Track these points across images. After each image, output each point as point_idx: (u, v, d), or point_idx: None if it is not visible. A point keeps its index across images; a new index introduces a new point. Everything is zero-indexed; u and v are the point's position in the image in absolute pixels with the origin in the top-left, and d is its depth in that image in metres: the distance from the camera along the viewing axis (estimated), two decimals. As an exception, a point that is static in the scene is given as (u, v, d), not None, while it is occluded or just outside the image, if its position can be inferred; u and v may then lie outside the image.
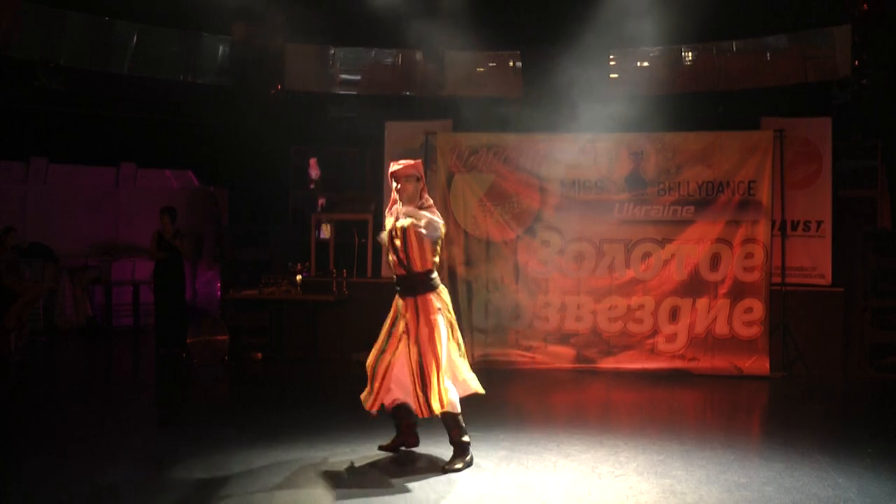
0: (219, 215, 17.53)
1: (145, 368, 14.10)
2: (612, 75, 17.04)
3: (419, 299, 7.60)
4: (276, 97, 14.71)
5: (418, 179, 7.66)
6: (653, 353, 12.47)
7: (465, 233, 13.07)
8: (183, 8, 13.12)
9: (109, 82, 14.46)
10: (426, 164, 13.47)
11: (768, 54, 17.60)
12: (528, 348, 12.80)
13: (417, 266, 7.57)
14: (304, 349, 13.61)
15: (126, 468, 7.44)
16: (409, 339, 7.56)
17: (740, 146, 12.57)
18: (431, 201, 7.80)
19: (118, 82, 14.43)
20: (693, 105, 15.99)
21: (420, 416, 7.45)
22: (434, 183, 13.23)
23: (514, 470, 7.43)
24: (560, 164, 12.96)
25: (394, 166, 7.68)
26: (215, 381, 12.37)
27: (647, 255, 12.64)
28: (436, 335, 7.51)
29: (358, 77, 16.31)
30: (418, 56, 15.86)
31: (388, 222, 7.69)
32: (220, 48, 14.63)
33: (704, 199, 12.56)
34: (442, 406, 7.32)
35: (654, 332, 12.50)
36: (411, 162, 7.68)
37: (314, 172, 15.96)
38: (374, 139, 14.58)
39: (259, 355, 13.47)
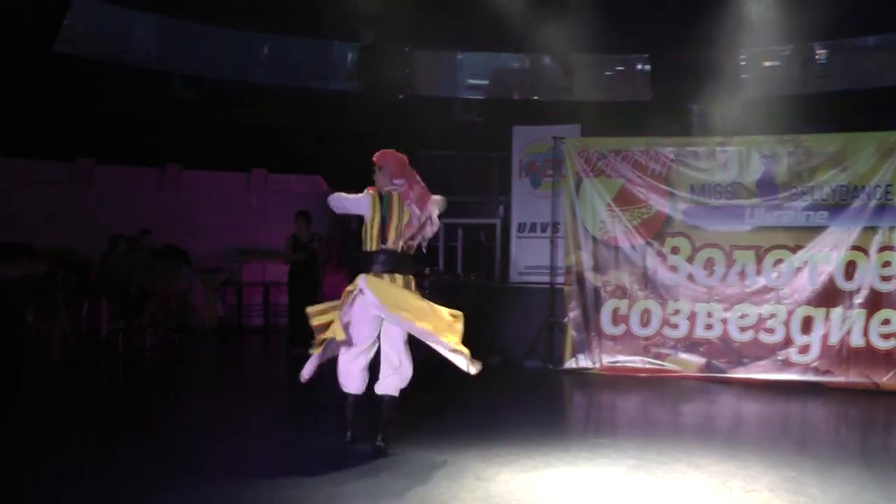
0: (348, 219, 17.74)
1: (275, 367, 14.38)
2: (742, 76, 16.74)
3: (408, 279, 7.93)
4: (403, 102, 14.85)
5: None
6: (785, 364, 12.03)
7: (594, 238, 12.97)
8: (313, 17, 13.33)
9: (241, 91, 14.84)
10: (554, 169, 13.46)
11: (906, 50, 17.09)
12: (657, 356, 12.61)
13: (399, 246, 7.88)
14: (431, 350, 13.65)
15: (250, 464, 7.57)
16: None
17: (877, 148, 12.06)
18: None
19: (250, 91, 14.80)
20: (827, 105, 15.62)
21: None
22: (562, 188, 13.19)
23: (643, 479, 7.32)
24: (689, 169, 12.75)
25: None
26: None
27: (778, 263, 12.28)
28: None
29: (485, 81, 16.35)
30: (545, 60, 15.82)
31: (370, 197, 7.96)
32: (349, 55, 14.85)
33: (839, 204, 12.10)
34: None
35: (787, 342, 12.08)
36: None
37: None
38: (502, 143, 14.60)
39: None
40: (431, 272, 13.85)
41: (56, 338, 13.69)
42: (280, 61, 14.35)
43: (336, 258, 17.42)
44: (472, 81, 15.79)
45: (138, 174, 17.54)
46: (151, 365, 13.72)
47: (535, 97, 16.16)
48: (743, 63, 16.69)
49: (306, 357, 13.49)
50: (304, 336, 13.80)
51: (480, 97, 15.98)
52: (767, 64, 17.42)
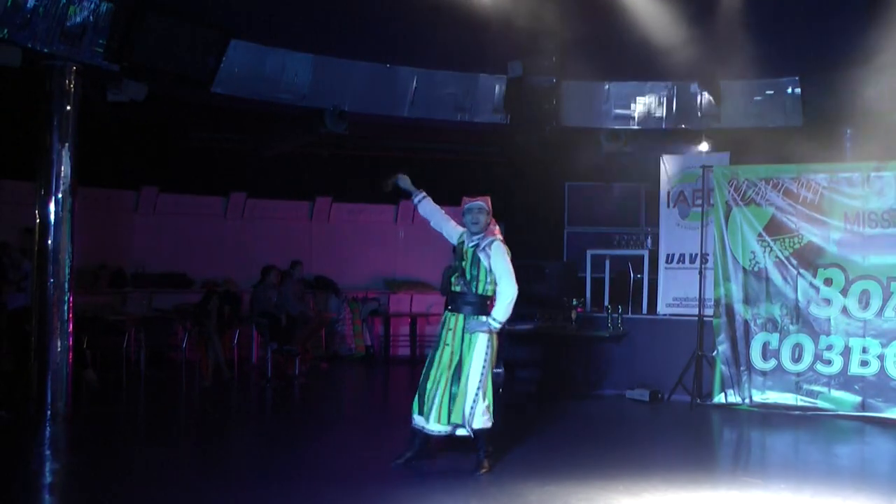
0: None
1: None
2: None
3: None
4: (550, 134, 14.85)
5: (488, 213, 8.44)
6: (946, 403, 11.57)
7: (744, 269, 12.70)
8: (460, 51, 13.49)
9: (390, 125, 15.11)
10: (703, 199, 13.28)
11: None
12: (809, 393, 12.19)
13: (479, 289, 8.26)
14: (579, 385, 13.63)
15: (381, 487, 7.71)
16: (451, 352, 8.21)
17: None
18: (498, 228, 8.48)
19: (398, 124, 15.06)
20: None
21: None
22: (711, 218, 13.00)
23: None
24: (843, 196, 12.35)
25: (474, 199, 8.52)
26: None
27: (939, 295, 11.83)
28: (478, 351, 8.20)
29: (632, 111, 16.24)
30: (693, 87, 15.60)
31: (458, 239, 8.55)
32: (497, 87, 14.90)
33: None
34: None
35: (948, 380, 11.60)
36: (486, 198, 8.52)
37: None
38: (650, 173, 14.48)
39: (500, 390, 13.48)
40: (579, 304, 13.80)
41: (209, 364, 14.17)
42: (427, 95, 14.54)
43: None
44: (618, 111, 15.68)
45: (290, 207, 18.08)
46: (300, 391, 14.05)
47: (683, 125, 15.94)
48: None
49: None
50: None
51: (628, 126, 15.86)
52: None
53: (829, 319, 12.21)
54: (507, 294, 8.20)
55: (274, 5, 11.91)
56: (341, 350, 17.51)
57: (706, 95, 15.08)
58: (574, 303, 13.73)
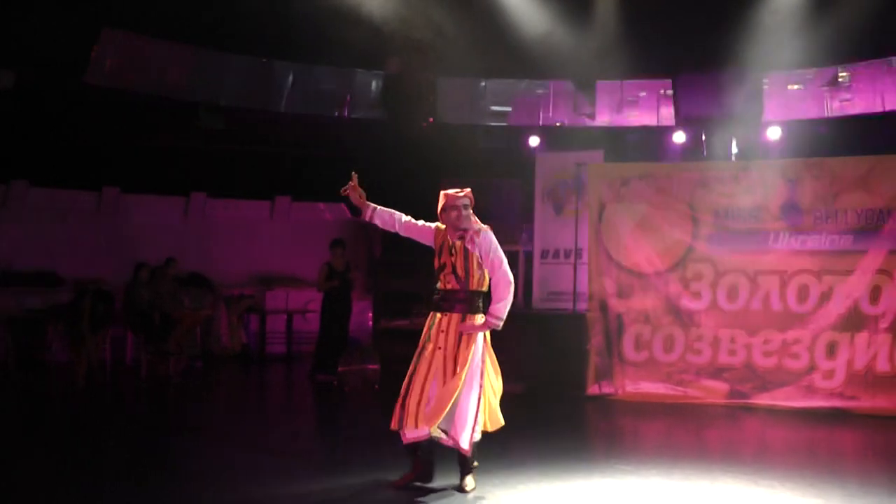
0: (371, 246, 17.84)
1: (297, 395, 14.42)
2: (765, 99, 16.70)
3: (469, 317, 7.51)
4: (427, 130, 14.91)
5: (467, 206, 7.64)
6: (810, 390, 11.90)
7: (618, 264, 12.93)
8: (337, 46, 13.44)
9: (266, 120, 14.96)
10: (577, 195, 13.47)
11: (933, 71, 16.99)
12: (680, 382, 12.54)
13: (473, 284, 7.55)
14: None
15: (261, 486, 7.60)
16: (444, 356, 7.42)
17: (904, 170, 12.05)
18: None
19: (274, 120, 14.91)
20: (851, 128, 15.54)
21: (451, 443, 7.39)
22: (585, 214, 13.19)
23: (665, 506, 7.33)
24: (713, 194, 12.73)
25: (457, 193, 7.64)
26: (364, 408, 12.54)
27: (803, 288, 12.19)
28: (473, 355, 7.41)
29: (508, 108, 16.39)
30: (568, 86, 15.84)
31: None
32: (374, 83, 14.93)
33: (864, 228, 12.01)
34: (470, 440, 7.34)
35: (811, 368, 11.96)
36: (467, 191, 7.71)
37: None
38: (525, 170, 14.63)
39: (377, 388, 13.46)
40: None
41: (81, 365, 13.78)
42: (304, 90, 14.44)
43: (361, 286, 17.52)
44: (495, 108, 15.82)
45: (164, 203, 17.72)
46: (175, 392, 13.77)
47: (559, 123, 16.17)
48: (766, 87, 16.66)
49: (329, 384, 13.64)
50: (329, 363, 13.92)
51: (504, 124, 16.01)
52: (791, 87, 17.36)
53: (700, 312, 12.54)
54: (505, 288, 7.48)
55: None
56: (217, 348, 17.24)
57: (581, 94, 15.27)
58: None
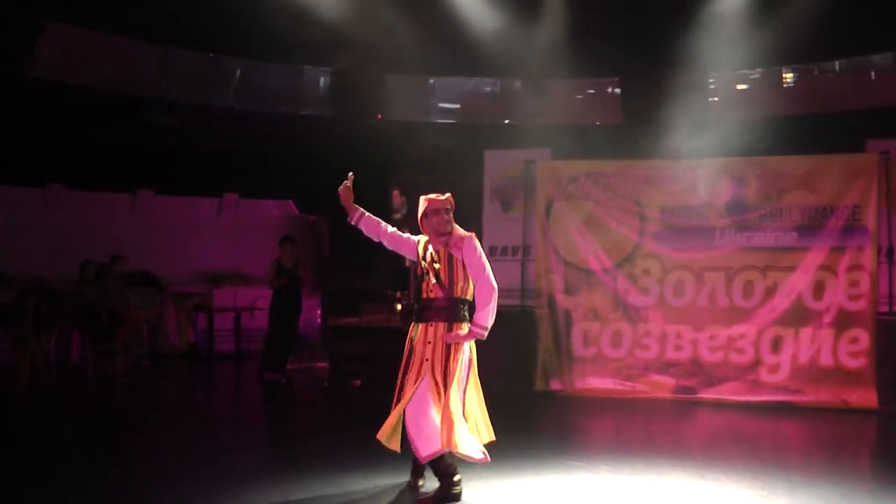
0: (320, 244, 17.79)
1: (246, 393, 14.34)
2: (711, 99, 16.88)
3: (455, 326, 7.25)
4: (375, 127, 14.89)
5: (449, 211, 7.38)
6: (755, 384, 12.12)
7: (565, 261, 13.01)
8: (285, 42, 13.38)
9: (213, 116, 14.85)
10: (525, 193, 13.51)
11: (873, 73, 17.27)
12: (628, 377, 12.66)
13: (457, 292, 7.28)
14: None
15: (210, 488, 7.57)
16: (431, 366, 7.17)
17: (844, 170, 12.23)
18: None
19: (222, 116, 14.81)
20: (795, 128, 15.72)
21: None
22: (533, 212, 13.24)
23: (615, 499, 7.36)
24: (660, 192, 12.86)
25: (439, 197, 7.40)
26: (314, 406, 12.52)
27: (748, 284, 12.38)
28: (459, 368, 7.19)
29: (457, 106, 16.42)
30: (517, 84, 15.89)
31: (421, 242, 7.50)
32: (322, 80, 14.89)
33: (808, 225, 12.25)
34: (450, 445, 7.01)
35: (757, 362, 12.18)
36: (448, 195, 7.47)
37: (396, 202, 16.12)
38: (473, 168, 14.65)
39: (358, 382, 13.53)
40: (402, 296, 13.87)
41: (25, 366, 13.59)
42: (252, 86, 14.36)
43: (310, 283, 17.49)
44: (443, 105, 15.84)
45: (111, 200, 17.52)
46: (122, 391, 13.63)
47: (507, 121, 16.22)
48: (712, 86, 16.83)
49: (279, 382, 13.59)
50: (278, 361, 13.88)
51: (452, 121, 16.02)
52: (737, 87, 17.57)
53: (647, 308, 12.67)
54: (488, 295, 7.17)
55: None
56: (164, 347, 17.12)
57: (529, 92, 15.33)
58: (398, 295, 13.79)
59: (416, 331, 7.40)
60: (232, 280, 18.02)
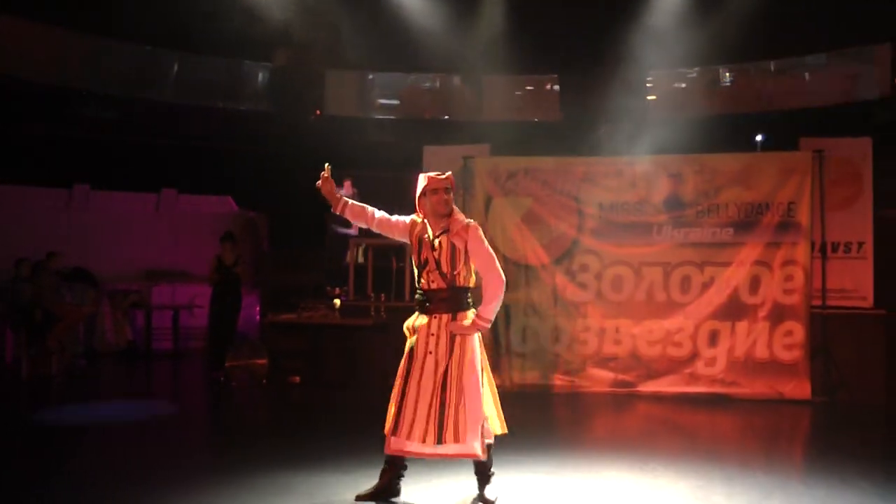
0: (258, 240, 17.66)
1: (184, 391, 14.20)
2: (649, 97, 17.05)
3: (459, 315, 6.94)
4: (315, 122, 14.83)
5: (449, 191, 7.04)
6: (692, 377, 12.35)
7: (504, 257, 13.02)
8: (223, 36, 13.27)
9: (151, 110, 14.68)
10: (464, 189, 13.52)
11: (807, 74, 17.56)
12: (568, 372, 12.74)
13: (460, 281, 6.96)
14: (343, 373, 13.59)
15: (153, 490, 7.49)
16: (435, 360, 6.90)
17: (779, 167, 12.49)
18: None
19: (159, 110, 14.65)
20: (731, 126, 15.94)
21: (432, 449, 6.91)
22: (472, 207, 13.25)
23: (554, 494, 7.40)
24: (598, 188, 12.96)
25: (439, 175, 7.00)
26: (252, 404, 12.43)
27: (686, 278, 12.57)
28: (472, 361, 6.94)
29: (396, 101, 16.41)
30: (456, 80, 15.93)
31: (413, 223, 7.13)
32: (260, 75, 14.82)
33: (744, 222, 12.47)
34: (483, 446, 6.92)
35: (694, 355, 12.40)
36: (449, 174, 7.08)
37: (347, 193, 16.07)
38: (412, 163, 14.64)
39: (297, 379, 13.46)
40: (341, 292, 13.82)
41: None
42: (189, 80, 14.22)
43: (248, 279, 17.36)
44: (383, 101, 15.82)
45: (45, 195, 17.22)
46: (57, 392, 13.40)
47: (446, 117, 16.24)
48: (650, 85, 16.99)
49: (216, 379, 13.46)
50: (217, 358, 13.75)
51: (392, 117, 16.01)
52: (674, 86, 17.75)
53: (586, 303, 12.76)
54: (497, 288, 6.88)
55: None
56: (101, 345, 16.88)
57: (469, 88, 15.36)
58: (337, 291, 13.74)
59: (418, 321, 7.07)
60: (170, 277, 17.81)
